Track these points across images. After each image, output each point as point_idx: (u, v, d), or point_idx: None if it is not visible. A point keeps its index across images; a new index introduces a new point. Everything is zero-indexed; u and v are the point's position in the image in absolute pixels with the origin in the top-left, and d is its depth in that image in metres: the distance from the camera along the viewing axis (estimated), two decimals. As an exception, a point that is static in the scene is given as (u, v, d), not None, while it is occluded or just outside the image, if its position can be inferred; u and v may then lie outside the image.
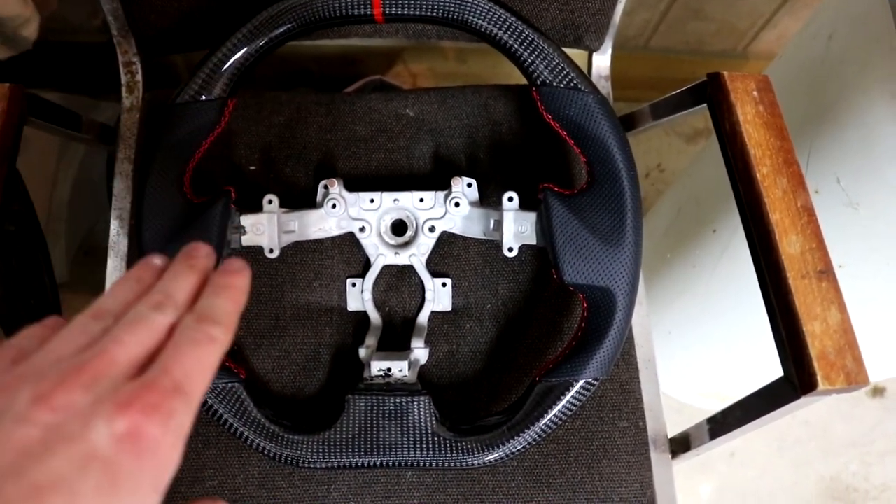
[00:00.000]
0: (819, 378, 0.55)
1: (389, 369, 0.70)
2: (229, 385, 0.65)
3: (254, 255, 0.76)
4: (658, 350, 0.81)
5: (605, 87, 0.90)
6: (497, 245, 0.72)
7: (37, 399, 0.28)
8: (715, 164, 1.04)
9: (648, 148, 1.65)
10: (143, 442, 0.28)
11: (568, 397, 0.64)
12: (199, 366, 0.31)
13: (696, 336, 1.18)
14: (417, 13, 0.65)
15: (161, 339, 0.32)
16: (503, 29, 0.64)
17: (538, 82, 0.65)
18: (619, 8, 0.84)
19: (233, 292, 0.35)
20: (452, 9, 0.64)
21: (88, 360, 0.30)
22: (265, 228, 0.71)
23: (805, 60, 0.83)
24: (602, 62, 0.90)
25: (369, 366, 0.70)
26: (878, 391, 1.53)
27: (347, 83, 1.39)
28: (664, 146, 1.66)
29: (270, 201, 0.71)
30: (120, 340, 0.31)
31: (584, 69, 0.87)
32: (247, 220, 0.70)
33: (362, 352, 0.73)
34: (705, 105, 0.72)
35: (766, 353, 1.07)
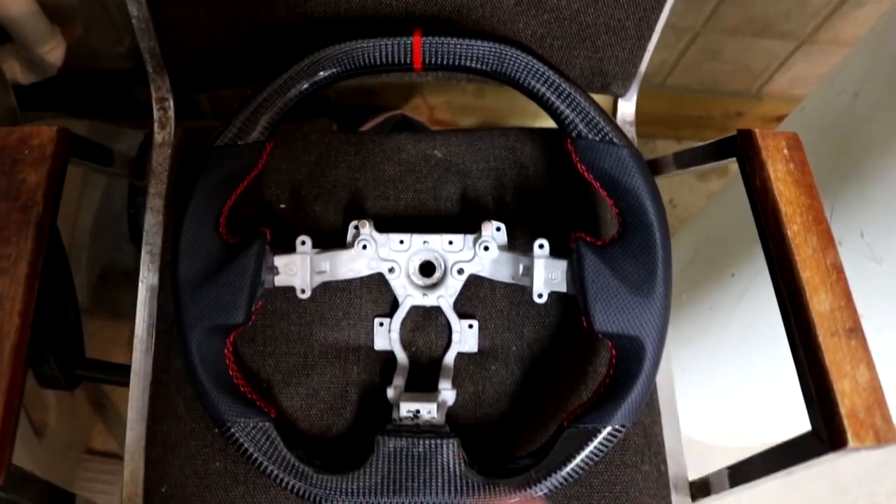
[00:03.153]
0: (849, 436, 0.56)
1: (418, 411, 0.70)
2: (260, 424, 0.66)
3: (283, 293, 0.77)
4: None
5: (629, 132, 0.92)
6: (523, 288, 0.73)
7: None
8: (733, 209, 1.06)
9: (660, 184, 1.66)
10: None
11: (595, 443, 0.65)
12: None
13: (709, 375, 1.19)
14: (456, 64, 0.67)
15: None
16: (541, 82, 0.66)
17: (574, 135, 0.66)
18: (647, 57, 0.86)
19: None
20: (493, 61, 0.66)
21: None
22: (298, 269, 0.72)
23: (831, 114, 0.85)
24: (627, 108, 0.91)
25: (398, 407, 0.71)
26: (885, 431, 1.53)
27: (366, 114, 1.41)
28: (676, 182, 1.67)
29: (304, 242, 0.72)
30: None
31: (610, 114, 0.88)
32: (280, 261, 0.72)
33: (390, 392, 0.74)
34: (732, 158, 0.74)
35: (779, 394, 1.08)
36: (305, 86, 0.67)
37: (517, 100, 1.35)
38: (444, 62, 0.67)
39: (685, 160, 0.82)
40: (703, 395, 1.24)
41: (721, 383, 1.18)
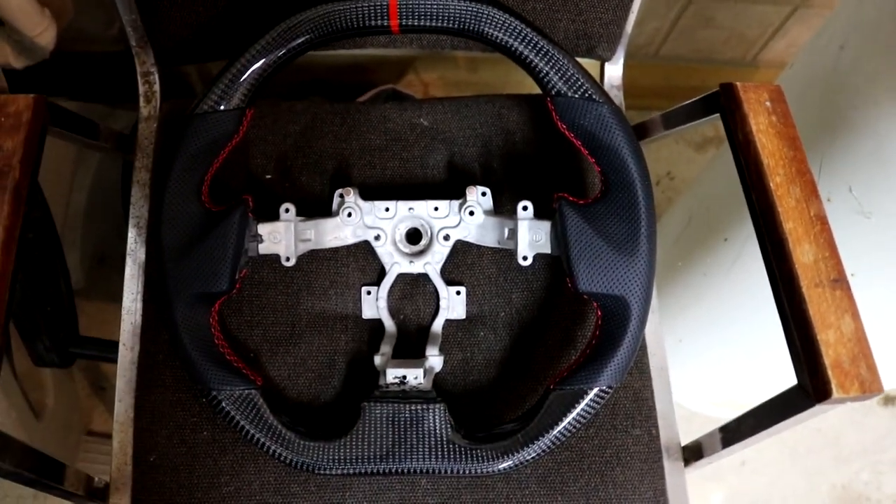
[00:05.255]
0: (833, 386, 0.56)
1: (405, 377, 0.70)
2: (246, 392, 0.65)
3: (270, 263, 0.77)
4: (669, 358, 0.82)
5: (617, 97, 0.91)
6: (511, 254, 0.73)
7: None
8: (725, 173, 1.05)
9: (658, 156, 1.66)
10: None
11: (582, 405, 0.64)
12: None
13: (707, 344, 1.18)
14: (434, 24, 0.66)
15: None
16: (519, 40, 0.65)
17: (553, 93, 0.66)
18: (632, 18, 0.85)
19: None
20: (469, 20, 0.65)
21: None
22: (282, 237, 0.72)
23: (817, 69, 0.84)
24: (614, 72, 0.90)
25: (385, 373, 0.71)
26: (889, 400, 1.52)
27: (360, 92, 1.40)
28: (674, 155, 1.66)
29: (287, 210, 0.72)
30: None
31: (597, 79, 0.88)
32: (264, 229, 0.71)
33: (377, 359, 0.74)
34: (717, 115, 0.73)
35: (778, 361, 1.07)
36: (283, 51, 0.67)
37: (511, 75, 1.35)
38: (422, 22, 0.66)
39: (673, 120, 0.81)
40: (702, 365, 1.24)
41: (719, 351, 1.18)
